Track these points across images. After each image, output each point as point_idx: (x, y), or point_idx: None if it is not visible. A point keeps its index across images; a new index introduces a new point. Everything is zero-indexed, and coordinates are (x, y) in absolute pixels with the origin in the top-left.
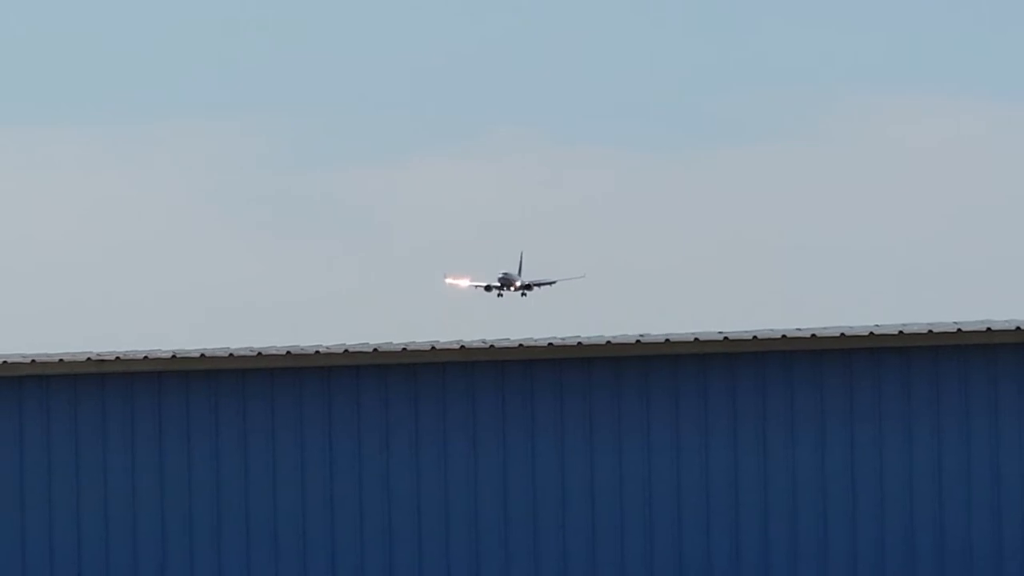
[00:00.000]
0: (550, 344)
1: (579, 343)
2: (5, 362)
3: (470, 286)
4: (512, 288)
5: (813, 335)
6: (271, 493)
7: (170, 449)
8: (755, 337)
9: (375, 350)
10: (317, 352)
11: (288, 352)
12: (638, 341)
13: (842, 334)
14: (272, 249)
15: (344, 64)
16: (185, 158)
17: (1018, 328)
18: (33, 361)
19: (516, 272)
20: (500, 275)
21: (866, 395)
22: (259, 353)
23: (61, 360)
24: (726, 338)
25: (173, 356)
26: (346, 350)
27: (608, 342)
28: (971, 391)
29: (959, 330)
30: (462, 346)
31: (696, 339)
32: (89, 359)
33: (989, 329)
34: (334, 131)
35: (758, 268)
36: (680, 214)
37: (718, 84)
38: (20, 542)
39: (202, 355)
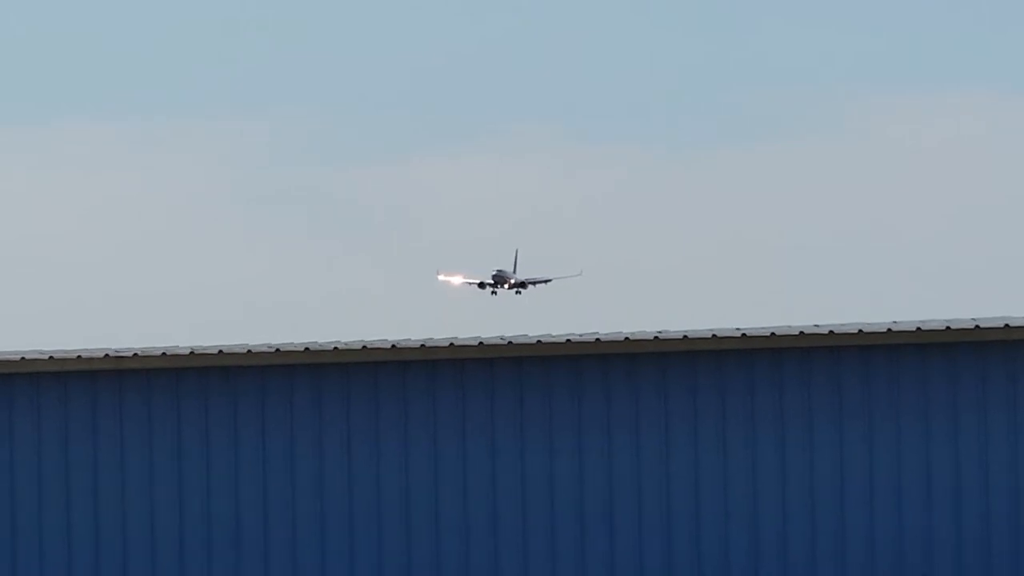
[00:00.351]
0: (568, 340)
1: (597, 339)
2: (23, 358)
3: (463, 283)
4: (506, 286)
5: (831, 331)
6: (289, 490)
7: (187, 447)
8: (773, 334)
9: (393, 346)
10: (334, 348)
11: (306, 348)
12: (656, 338)
13: (860, 331)
14: (272, 248)
15: (344, 64)
16: (185, 158)
17: None
18: (51, 358)
19: (511, 270)
20: (494, 272)
21: (882, 392)
22: (277, 350)
23: (79, 357)
24: (744, 335)
25: (191, 353)
26: (363, 347)
27: (626, 339)
28: (989, 387)
29: (977, 327)
30: (480, 343)
31: (714, 335)
32: (107, 355)
33: (1007, 326)
34: (334, 130)
35: (758, 268)
36: (680, 213)
37: (718, 84)
38: (38, 539)
39: (220, 351)
